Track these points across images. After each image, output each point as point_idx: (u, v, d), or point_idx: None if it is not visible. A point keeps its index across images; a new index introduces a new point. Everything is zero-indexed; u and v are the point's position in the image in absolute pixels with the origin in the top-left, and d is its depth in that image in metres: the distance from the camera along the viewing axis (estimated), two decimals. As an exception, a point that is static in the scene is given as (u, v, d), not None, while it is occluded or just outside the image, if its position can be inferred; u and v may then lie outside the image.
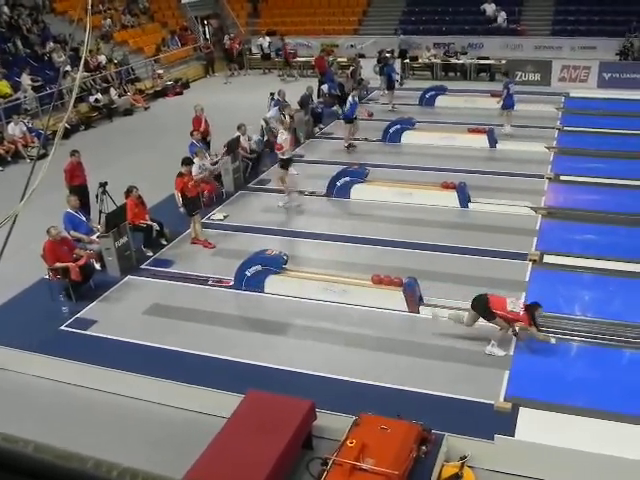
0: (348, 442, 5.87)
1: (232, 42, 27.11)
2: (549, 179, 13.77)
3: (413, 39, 25.84)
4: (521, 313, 7.79)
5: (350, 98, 16.20)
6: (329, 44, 26.97)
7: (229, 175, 13.82)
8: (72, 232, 10.51)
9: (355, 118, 16.34)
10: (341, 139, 16.80)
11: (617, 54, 23.36)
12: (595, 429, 6.61)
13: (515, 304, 7.89)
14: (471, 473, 6.18)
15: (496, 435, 6.27)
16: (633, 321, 8.50)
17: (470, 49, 24.93)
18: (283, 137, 13.09)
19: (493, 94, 19.61)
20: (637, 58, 22.94)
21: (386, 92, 20.70)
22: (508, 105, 17.09)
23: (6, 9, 22.91)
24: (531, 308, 7.84)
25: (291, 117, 15.02)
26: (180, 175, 11.27)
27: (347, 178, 13.29)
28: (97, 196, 11.65)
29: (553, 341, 7.93)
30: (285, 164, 13.18)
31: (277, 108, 16.06)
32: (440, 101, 20.15)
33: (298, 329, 8.85)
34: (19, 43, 21.84)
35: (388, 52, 23.81)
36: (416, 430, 6.16)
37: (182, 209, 11.35)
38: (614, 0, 24.49)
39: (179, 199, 11.34)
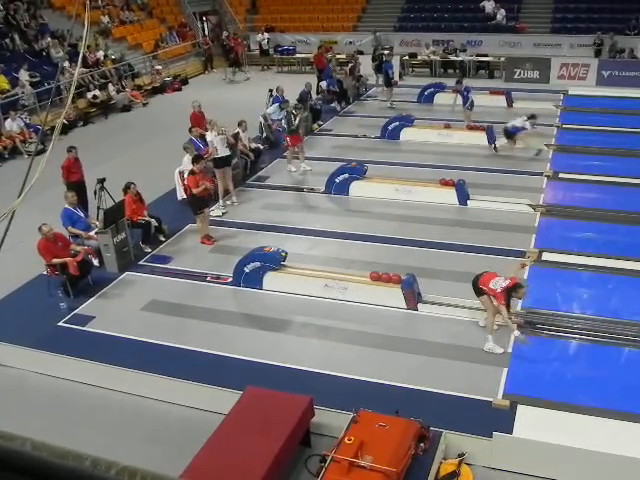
0: (346, 439, 5.86)
1: (234, 40, 26.94)
2: (548, 177, 13.76)
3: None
4: (498, 290, 7.71)
5: (520, 121, 15.04)
6: (328, 41, 26.93)
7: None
8: (70, 228, 10.51)
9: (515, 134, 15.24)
10: (339, 136, 17.36)
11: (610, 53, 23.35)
12: (593, 427, 6.62)
13: (498, 283, 7.77)
14: (469, 470, 6.18)
15: (494, 432, 6.26)
16: (631, 319, 8.50)
17: (469, 46, 24.86)
18: (211, 138, 12.62)
19: (492, 92, 19.67)
20: (612, 57, 22.89)
21: (385, 89, 20.68)
22: (470, 104, 17.22)
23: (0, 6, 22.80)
24: (510, 289, 7.69)
25: (297, 113, 14.73)
26: (192, 173, 11.22)
27: (346, 175, 13.27)
28: (95, 192, 11.63)
29: (516, 333, 7.66)
30: (219, 164, 12.63)
31: (277, 104, 16.03)
32: (439, 98, 20.10)
33: (296, 326, 8.83)
34: (17, 38, 21.75)
35: (385, 49, 23.77)
36: (414, 427, 6.15)
37: (210, 187, 11.30)
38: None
39: (184, 191, 11.42)
